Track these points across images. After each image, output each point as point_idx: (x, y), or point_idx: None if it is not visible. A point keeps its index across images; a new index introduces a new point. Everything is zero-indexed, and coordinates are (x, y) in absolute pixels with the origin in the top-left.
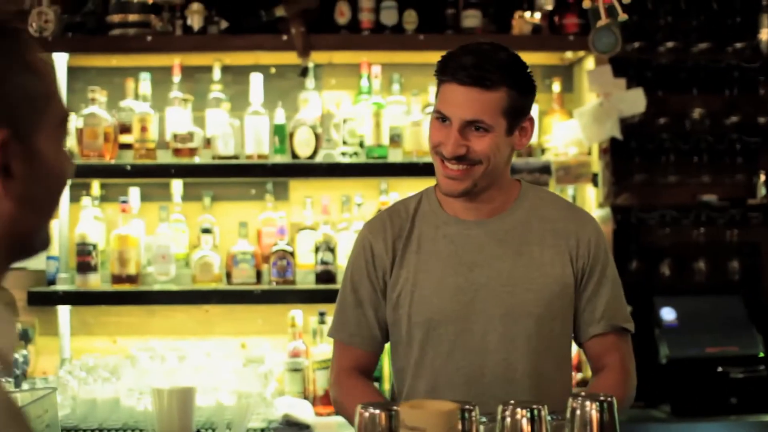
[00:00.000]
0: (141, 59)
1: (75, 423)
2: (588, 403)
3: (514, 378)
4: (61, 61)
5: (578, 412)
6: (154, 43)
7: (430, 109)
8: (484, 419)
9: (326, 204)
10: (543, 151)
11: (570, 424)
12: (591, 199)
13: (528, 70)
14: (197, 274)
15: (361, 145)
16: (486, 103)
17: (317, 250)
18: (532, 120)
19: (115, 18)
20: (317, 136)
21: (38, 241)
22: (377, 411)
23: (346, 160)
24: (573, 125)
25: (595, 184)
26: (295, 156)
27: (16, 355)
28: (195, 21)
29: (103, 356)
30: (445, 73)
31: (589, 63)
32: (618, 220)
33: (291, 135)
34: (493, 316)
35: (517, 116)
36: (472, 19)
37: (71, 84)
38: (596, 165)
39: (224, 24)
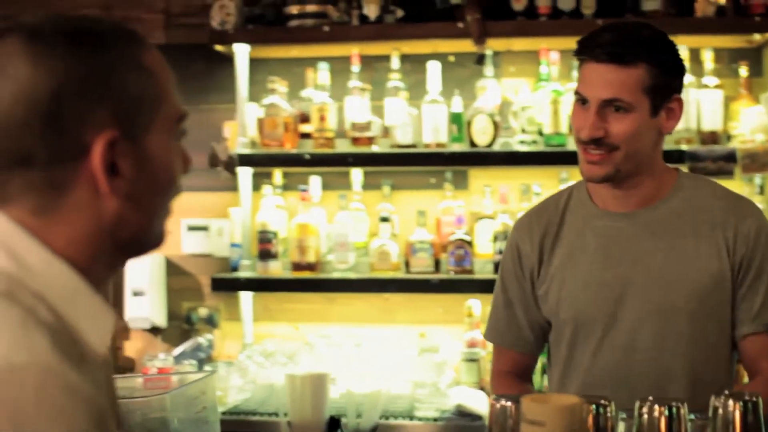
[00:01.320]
0: (319, 49)
1: (254, 407)
2: (731, 402)
3: (666, 378)
4: (242, 52)
5: (720, 411)
6: (332, 33)
7: None
8: (623, 416)
9: (505, 193)
10: (729, 138)
11: (712, 423)
12: None
13: (675, 49)
14: (376, 263)
15: (540, 133)
16: (624, 80)
17: (496, 239)
18: (680, 101)
19: (293, 9)
20: (495, 124)
21: (149, 239)
22: (508, 403)
23: (525, 148)
24: (760, 111)
25: None
26: (473, 144)
27: (202, 339)
28: (371, 10)
29: (283, 342)
30: (582, 52)
31: None
32: None
33: (469, 123)
34: (642, 312)
35: (662, 96)
36: (652, 1)
37: (252, 75)
38: None
39: (400, 13)
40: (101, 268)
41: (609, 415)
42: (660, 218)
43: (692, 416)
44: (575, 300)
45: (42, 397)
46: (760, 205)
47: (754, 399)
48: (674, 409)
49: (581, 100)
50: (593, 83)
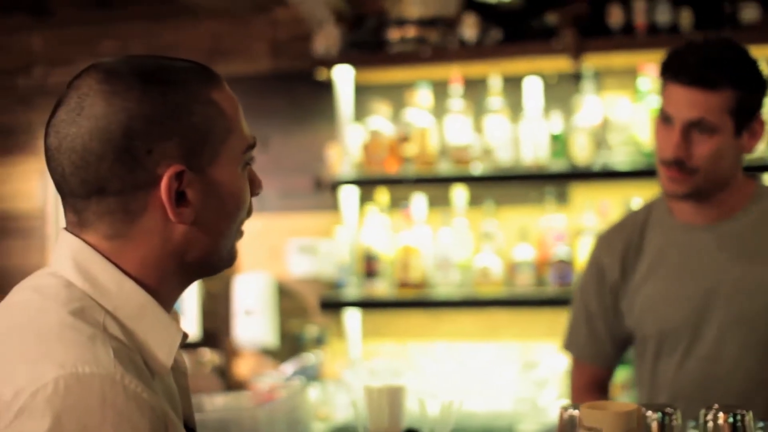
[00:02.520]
0: (419, 72)
1: (356, 424)
2: None
3: (748, 388)
4: (345, 77)
5: None
6: (432, 56)
7: None
8: (693, 424)
9: (606, 208)
10: None
11: None
12: None
13: (758, 67)
14: (479, 280)
15: (640, 148)
16: (710, 103)
17: None
18: (762, 122)
19: (393, 34)
20: (595, 141)
21: (217, 261)
22: (576, 412)
23: (625, 164)
24: None
25: None
26: (573, 161)
27: (311, 357)
28: (469, 33)
29: (389, 359)
30: (667, 73)
31: None
32: None
33: (568, 140)
34: (724, 323)
35: (746, 116)
36: (750, 12)
37: (355, 99)
38: None
39: (498, 34)
40: (170, 287)
41: (674, 423)
42: (739, 229)
43: (761, 424)
44: (658, 313)
45: (106, 403)
46: None
47: None
48: (738, 417)
49: (666, 118)
50: (679, 104)
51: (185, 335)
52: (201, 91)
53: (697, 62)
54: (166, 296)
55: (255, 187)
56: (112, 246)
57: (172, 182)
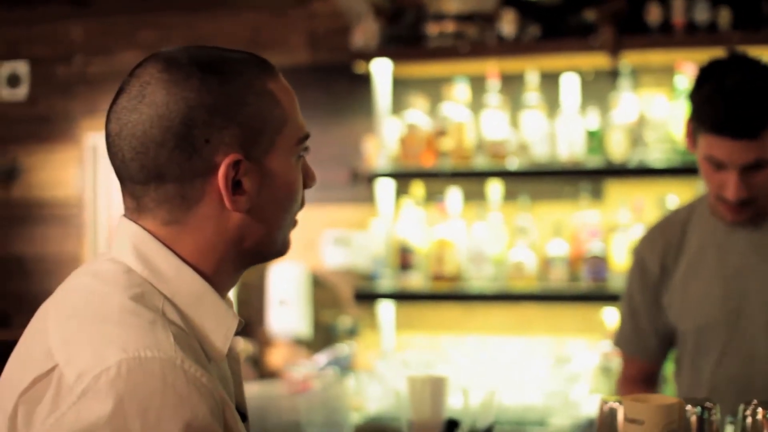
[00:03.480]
0: (458, 67)
1: (394, 414)
2: None
3: None
4: (383, 70)
5: None
6: (470, 51)
7: None
8: (731, 419)
9: (640, 205)
10: None
11: None
12: None
13: None
14: (512, 274)
15: (675, 146)
16: (760, 145)
17: (631, 251)
18: None
19: (432, 29)
20: (631, 138)
21: (271, 249)
22: (616, 404)
23: (660, 161)
24: None
25: None
26: (608, 158)
27: (344, 348)
28: (508, 28)
29: (422, 351)
30: (706, 125)
31: None
32: None
33: (605, 137)
34: (762, 322)
35: None
36: None
37: (395, 92)
38: None
39: (536, 30)
40: (225, 274)
41: (714, 417)
42: None
43: None
44: (696, 311)
45: (167, 386)
46: None
47: None
48: None
49: (716, 164)
50: (728, 154)
51: (241, 322)
52: (257, 82)
53: (735, 116)
54: (221, 283)
55: (308, 179)
56: (169, 232)
57: (229, 170)
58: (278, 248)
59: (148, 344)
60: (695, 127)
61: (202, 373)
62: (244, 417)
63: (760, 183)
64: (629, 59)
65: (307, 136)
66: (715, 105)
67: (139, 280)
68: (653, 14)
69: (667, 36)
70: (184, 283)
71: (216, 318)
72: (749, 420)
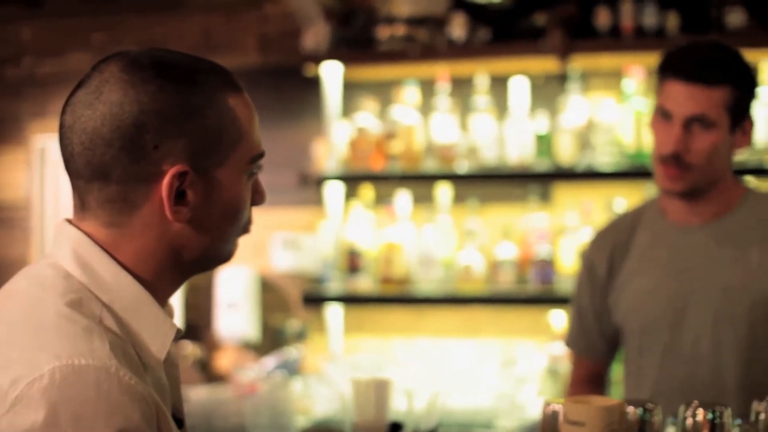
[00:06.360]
0: (408, 70)
1: (340, 417)
2: None
3: (725, 386)
4: (333, 73)
5: (762, 416)
6: (420, 54)
7: None
8: (673, 420)
9: (588, 208)
10: None
11: (754, 428)
12: None
13: (750, 68)
14: (461, 277)
15: (623, 149)
16: (710, 98)
17: (579, 254)
18: (752, 122)
19: (383, 32)
20: (580, 142)
21: (212, 260)
22: (558, 406)
23: (608, 164)
24: None
25: None
26: (557, 161)
27: (292, 352)
28: (458, 32)
29: (370, 354)
30: (668, 70)
31: None
32: None
33: (553, 140)
34: (704, 322)
35: (740, 114)
36: (736, 17)
37: (345, 95)
38: None
39: (486, 34)
40: (165, 282)
41: (655, 419)
42: (727, 231)
43: (738, 421)
44: (641, 310)
45: (100, 394)
46: None
47: None
48: (717, 414)
49: (665, 115)
50: (680, 100)
51: (179, 330)
52: (218, 95)
53: (697, 60)
54: (161, 290)
55: (258, 197)
56: (110, 235)
57: (174, 180)
58: (220, 260)
59: (82, 352)
60: (658, 81)
61: (137, 381)
62: (180, 423)
63: (701, 148)
64: (578, 63)
65: (261, 155)
66: (676, 52)
67: (77, 286)
68: (602, 19)
69: (616, 40)
70: (123, 290)
71: (154, 325)
72: (690, 421)
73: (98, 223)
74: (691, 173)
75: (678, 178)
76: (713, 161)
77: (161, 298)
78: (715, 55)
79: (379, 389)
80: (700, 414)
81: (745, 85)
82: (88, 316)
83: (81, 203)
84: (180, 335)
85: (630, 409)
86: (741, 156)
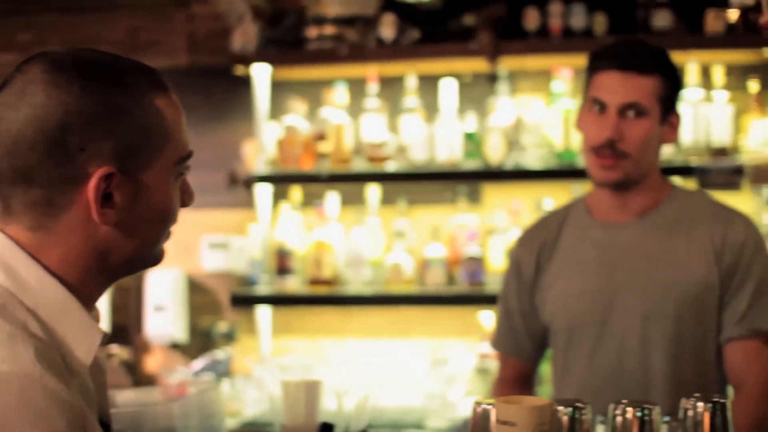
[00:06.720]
0: (337, 70)
1: (269, 419)
2: (700, 404)
3: (652, 382)
4: (262, 74)
5: (690, 413)
6: (349, 54)
7: None
8: (602, 419)
9: (517, 208)
10: (739, 152)
11: (682, 425)
12: None
13: (676, 67)
14: (390, 277)
15: (552, 149)
16: (643, 86)
17: (508, 253)
18: (678, 117)
19: (312, 32)
20: (508, 142)
21: (140, 263)
22: (489, 406)
23: (537, 164)
24: None
25: None
26: (486, 161)
27: (221, 354)
28: (387, 32)
29: (300, 355)
30: (600, 61)
31: None
32: None
33: (482, 141)
34: (631, 317)
35: (669, 107)
36: (662, 19)
37: (272, 96)
38: None
39: (416, 34)
40: (92, 286)
41: (584, 417)
42: (653, 227)
43: (666, 419)
44: (569, 307)
45: (24, 401)
46: None
47: (722, 401)
48: (646, 411)
49: (598, 106)
50: (613, 89)
51: (105, 335)
52: (145, 96)
53: (629, 50)
54: (87, 294)
55: (186, 197)
56: (35, 239)
57: (101, 183)
58: (148, 263)
59: (5, 358)
60: (587, 78)
61: (62, 387)
62: (108, 428)
63: (635, 136)
64: (507, 64)
65: (189, 155)
66: (608, 45)
67: (1, 291)
68: (531, 20)
69: (544, 41)
70: (48, 295)
71: (80, 330)
72: (619, 419)
73: (23, 227)
74: (626, 161)
75: (613, 167)
76: (646, 150)
77: (88, 302)
78: (644, 46)
79: (309, 391)
80: (630, 412)
81: (674, 78)
82: (12, 322)
83: (5, 207)
84: (107, 339)
85: (560, 408)
86: (667, 155)
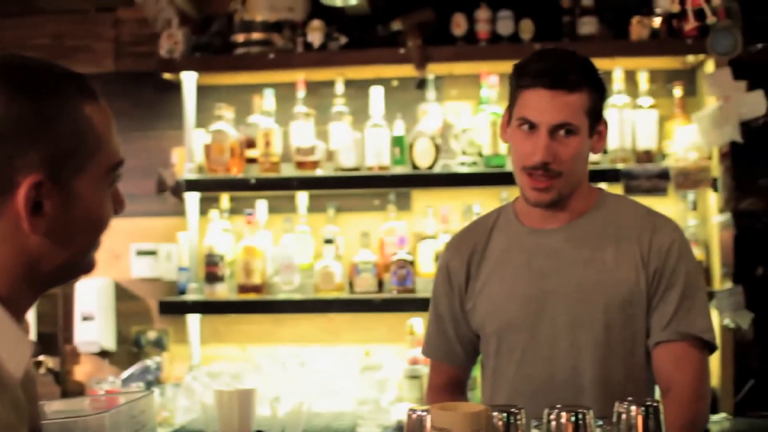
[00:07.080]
0: (265, 76)
1: (200, 427)
2: (633, 407)
3: (582, 386)
4: (190, 80)
5: (624, 416)
6: (277, 60)
7: None
8: (536, 423)
9: (446, 213)
10: (664, 156)
11: (616, 428)
12: (712, 205)
13: (602, 76)
14: (320, 284)
15: (480, 154)
16: (572, 104)
17: (437, 258)
18: (606, 123)
19: (240, 38)
20: (437, 147)
21: (71, 272)
22: (423, 413)
23: (465, 169)
24: (693, 130)
25: (716, 189)
26: (415, 167)
27: (150, 362)
28: (315, 38)
29: (230, 363)
30: (525, 79)
31: (710, 66)
32: (743, 226)
33: (411, 146)
34: (561, 323)
35: (596, 118)
36: (588, 26)
37: (200, 102)
38: (717, 170)
39: (344, 40)
40: (21, 297)
41: (519, 422)
42: (581, 233)
43: (600, 422)
44: (499, 313)
45: None
46: (693, 221)
47: (655, 404)
48: (581, 416)
49: (528, 125)
50: (542, 108)
51: (35, 346)
52: (73, 103)
53: (554, 66)
54: (17, 305)
55: (118, 205)
56: None
57: (30, 191)
58: (79, 272)
59: None
60: (513, 91)
61: None
62: None
63: (567, 155)
64: (435, 69)
65: (120, 163)
66: (531, 61)
67: None
68: (459, 26)
69: (472, 47)
70: None
71: (10, 343)
72: (554, 424)
73: None
74: (558, 180)
75: (547, 189)
76: (576, 167)
77: (18, 313)
78: (569, 60)
79: (243, 399)
80: (564, 417)
81: (600, 88)
82: None
83: None
84: (36, 351)
85: (495, 414)
86: (593, 159)
